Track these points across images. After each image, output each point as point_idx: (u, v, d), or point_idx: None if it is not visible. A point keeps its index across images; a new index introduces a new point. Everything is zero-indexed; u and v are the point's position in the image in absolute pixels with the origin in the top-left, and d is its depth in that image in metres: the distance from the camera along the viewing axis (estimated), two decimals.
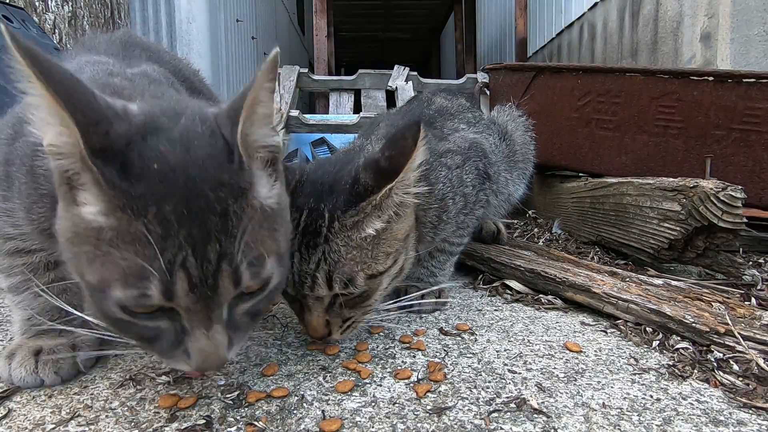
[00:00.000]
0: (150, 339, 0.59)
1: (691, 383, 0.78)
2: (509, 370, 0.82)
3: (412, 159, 0.82)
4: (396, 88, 3.68)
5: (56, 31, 2.71)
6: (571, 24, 4.23)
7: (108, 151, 0.53)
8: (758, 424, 0.67)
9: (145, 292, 0.53)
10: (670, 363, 0.85)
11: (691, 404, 0.72)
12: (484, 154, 1.22)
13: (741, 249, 1.29)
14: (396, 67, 3.87)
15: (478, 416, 0.68)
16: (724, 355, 0.85)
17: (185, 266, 0.53)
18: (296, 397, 0.73)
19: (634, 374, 0.81)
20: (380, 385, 0.77)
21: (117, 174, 0.53)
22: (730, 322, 0.90)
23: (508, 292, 1.26)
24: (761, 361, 0.80)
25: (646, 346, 0.93)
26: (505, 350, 0.91)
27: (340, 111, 3.68)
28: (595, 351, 0.90)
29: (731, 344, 0.86)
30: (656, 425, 0.66)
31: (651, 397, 0.74)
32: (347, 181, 0.86)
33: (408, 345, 0.93)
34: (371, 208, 0.84)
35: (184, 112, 0.61)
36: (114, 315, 0.56)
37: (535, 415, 0.69)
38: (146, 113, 0.59)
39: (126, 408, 0.71)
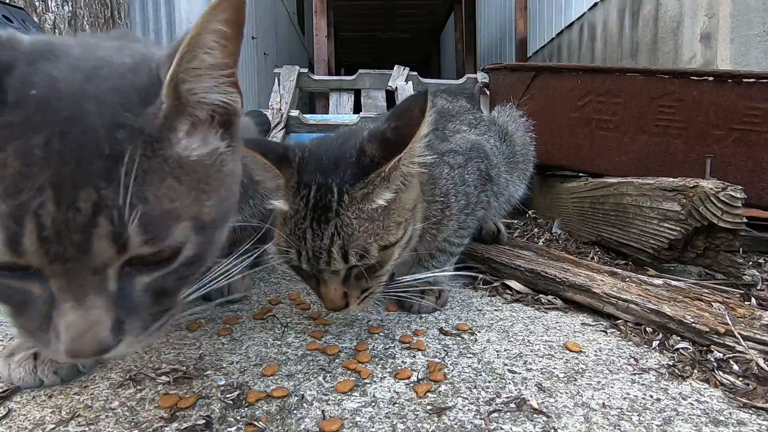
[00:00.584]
0: (17, 306, 0.49)
1: (691, 383, 0.78)
2: (509, 370, 0.82)
3: (420, 129, 0.82)
4: (396, 88, 3.68)
5: (56, 31, 2.71)
6: (571, 24, 4.23)
7: None
8: (758, 424, 0.67)
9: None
10: (670, 363, 0.85)
11: (691, 404, 0.72)
12: (485, 156, 1.23)
13: (741, 249, 1.29)
14: (396, 67, 3.87)
15: (478, 416, 0.68)
16: (724, 355, 0.85)
17: (38, 213, 0.44)
18: (296, 397, 0.73)
19: (634, 374, 0.81)
20: (380, 385, 0.77)
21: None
22: (730, 322, 0.90)
23: (508, 292, 1.26)
24: (761, 361, 0.80)
25: (646, 346, 0.93)
26: (505, 350, 0.91)
27: (340, 111, 3.68)
28: (595, 351, 0.90)
29: (731, 344, 0.86)
30: (656, 425, 0.66)
31: (651, 397, 0.74)
32: (352, 154, 0.86)
33: (408, 345, 0.93)
34: (380, 179, 0.84)
35: (110, 46, 0.54)
36: None
37: (535, 415, 0.69)
38: (42, 41, 0.52)
39: (126, 408, 0.71)
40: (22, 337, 0.52)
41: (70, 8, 2.76)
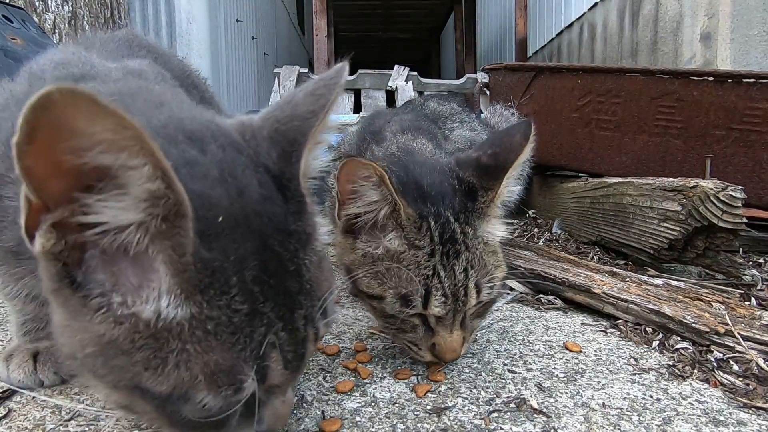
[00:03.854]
0: (221, 424, 0.48)
1: (691, 383, 0.78)
2: (509, 370, 0.82)
3: (521, 155, 0.79)
4: (396, 88, 3.68)
5: (56, 31, 2.71)
6: (571, 24, 4.23)
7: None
8: (758, 424, 0.67)
9: (240, 386, 0.43)
10: (670, 363, 0.85)
11: (691, 404, 0.72)
12: None
13: (741, 249, 1.28)
14: (396, 67, 3.87)
15: (478, 416, 0.68)
16: (724, 355, 0.85)
17: (278, 344, 0.45)
18: (296, 397, 0.73)
19: (634, 374, 0.81)
20: (380, 385, 0.77)
21: (196, 235, 0.41)
22: (730, 322, 0.90)
23: (508, 291, 1.26)
24: (761, 361, 0.80)
25: (646, 346, 0.93)
26: (505, 350, 0.91)
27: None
28: (595, 351, 0.90)
29: (731, 344, 0.86)
30: (656, 425, 0.66)
31: (651, 397, 0.74)
32: (450, 182, 0.81)
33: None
34: (489, 208, 0.80)
35: (204, 132, 0.49)
36: (188, 420, 0.45)
37: (535, 415, 0.68)
38: (162, 135, 0.46)
39: None
40: None
41: (70, 8, 2.76)
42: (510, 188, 0.82)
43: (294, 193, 0.50)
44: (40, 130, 0.32)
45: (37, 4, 2.66)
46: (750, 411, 0.70)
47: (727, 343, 0.86)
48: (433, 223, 0.76)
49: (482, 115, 1.77)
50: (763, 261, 1.44)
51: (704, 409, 0.70)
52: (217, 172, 0.45)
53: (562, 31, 4.43)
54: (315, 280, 0.50)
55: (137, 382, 0.43)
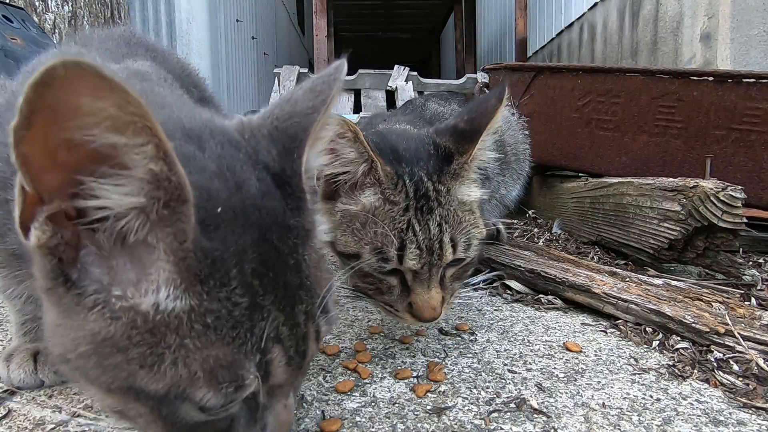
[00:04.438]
0: (222, 430, 0.47)
1: (691, 383, 0.78)
2: (509, 370, 0.82)
3: (495, 118, 0.82)
4: (396, 88, 3.68)
5: (56, 31, 2.71)
6: (571, 24, 4.23)
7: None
8: (758, 424, 0.67)
9: (241, 383, 0.42)
10: (670, 363, 0.85)
11: (691, 404, 0.72)
12: None
13: (741, 249, 1.28)
14: (396, 67, 3.87)
15: (478, 416, 0.68)
16: (724, 355, 0.85)
17: (280, 339, 0.44)
18: (296, 397, 0.73)
19: (634, 374, 0.81)
20: (380, 385, 0.77)
21: (197, 222, 0.40)
22: (730, 322, 0.90)
23: (508, 292, 1.26)
24: (761, 361, 0.80)
25: (646, 346, 0.93)
26: (505, 350, 0.91)
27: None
28: (595, 351, 0.90)
29: (731, 344, 0.86)
30: (656, 425, 0.66)
31: (651, 397, 0.74)
32: (427, 148, 0.84)
33: (408, 345, 0.93)
34: (464, 170, 0.83)
35: (202, 130, 0.49)
36: (188, 420, 0.43)
37: (535, 415, 0.68)
38: (173, 119, 0.48)
39: None
40: None
41: (70, 8, 2.77)
42: (487, 153, 0.85)
43: (294, 190, 0.49)
44: (40, 112, 0.31)
45: (37, 4, 2.66)
46: (750, 411, 0.70)
47: (727, 343, 0.86)
48: (408, 180, 0.79)
49: None
50: (763, 261, 1.44)
51: (704, 409, 0.70)
52: (215, 166, 0.45)
53: (562, 31, 4.43)
54: (315, 276, 0.49)
55: (132, 382, 0.41)
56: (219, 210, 0.42)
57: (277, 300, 0.44)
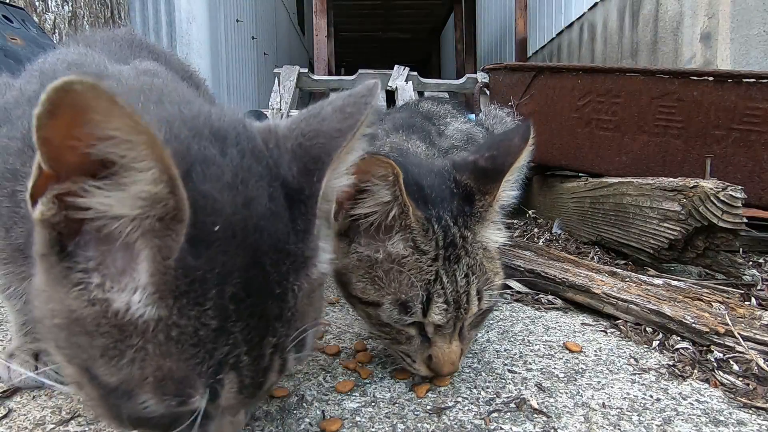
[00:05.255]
0: (168, 427, 0.47)
1: (691, 383, 0.78)
2: (509, 370, 0.82)
3: (519, 158, 0.76)
4: (396, 88, 3.68)
5: (56, 31, 2.71)
6: (571, 24, 4.23)
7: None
8: (758, 424, 0.67)
9: (186, 400, 0.42)
10: (670, 363, 0.85)
11: (691, 404, 0.72)
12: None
13: (741, 249, 1.29)
14: (396, 67, 3.87)
15: (478, 416, 0.68)
16: (724, 355, 0.85)
17: (238, 367, 0.44)
18: (296, 397, 0.73)
19: (634, 374, 0.81)
20: (380, 385, 0.77)
21: (186, 241, 0.40)
22: (730, 322, 0.90)
23: (508, 292, 1.26)
24: (761, 361, 0.80)
25: (646, 346, 0.93)
26: (505, 350, 0.91)
27: None
28: (595, 351, 0.90)
29: (731, 344, 0.86)
30: (656, 425, 0.66)
31: (651, 397, 0.74)
32: (448, 184, 0.77)
33: None
34: (488, 213, 0.76)
35: (229, 132, 0.47)
36: (133, 415, 0.44)
37: (535, 415, 0.68)
38: (178, 135, 0.44)
39: None
40: None
41: (70, 8, 2.77)
42: (508, 192, 0.79)
43: (306, 213, 0.47)
44: (62, 107, 0.33)
45: (37, 4, 2.66)
46: (750, 411, 0.70)
47: (727, 343, 0.86)
48: (436, 226, 0.72)
49: (478, 116, 1.77)
50: (763, 261, 1.44)
51: (704, 409, 0.70)
52: (230, 176, 0.44)
53: (562, 31, 4.43)
54: (299, 309, 0.47)
55: (90, 366, 0.42)
56: (216, 228, 0.41)
57: (248, 329, 0.43)
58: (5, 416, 0.69)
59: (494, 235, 0.78)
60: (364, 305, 0.75)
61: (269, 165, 0.47)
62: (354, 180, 0.63)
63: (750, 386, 0.76)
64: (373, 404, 0.72)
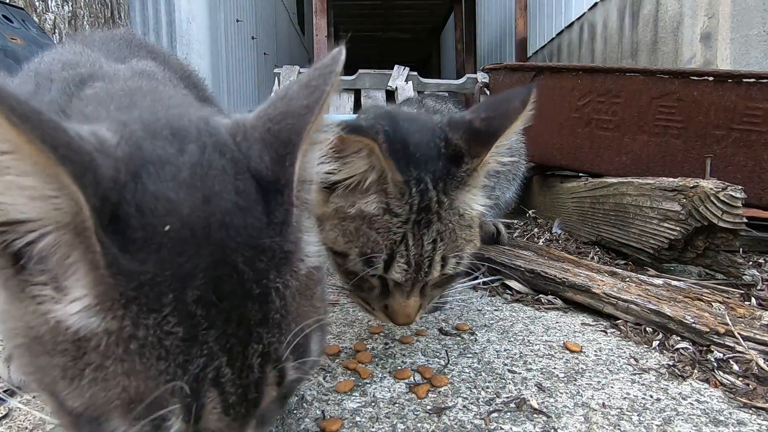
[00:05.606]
0: None
1: (691, 383, 0.78)
2: (509, 370, 0.82)
3: (516, 122, 0.74)
4: (396, 88, 3.68)
5: (56, 31, 2.71)
6: (571, 24, 4.23)
7: (109, 213, 0.37)
8: (758, 424, 0.67)
9: (160, 424, 0.37)
10: (670, 363, 0.85)
11: (691, 404, 0.72)
12: None
13: (741, 249, 1.29)
14: (396, 67, 3.87)
15: (478, 416, 0.68)
16: (724, 355, 0.85)
17: (219, 382, 0.39)
18: (296, 397, 0.73)
19: (634, 374, 0.81)
20: (380, 385, 0.77)
21: (119, 248, 0.37)
22: (730, 322, 0.90)
23: (508, 292, 1.26)
24: (761, 361, 0.80)
25: (646, 346, 0.93)
26: (505, 350, 0.91)
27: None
28: (595, 351, 0.90)
29: (731, 344, 0.86)
30: (656, 425, 0.66)
31: (651, 397, 0.74)
32: (437, 144, 0.77)
33: (408, 345, 0.93)
34: (471, 178, 0.76)
35: (190, 130, 0.45)
36: None
37: (535, 415, 0.69)
38: (130, 137, 0.42)
39: None
40: None
41: (70, 8, 2.76)
42: (499, 159, 0.78)
43: (283, 203, 0.44)
44: None
45: (37, 4, 2.65)
46: (750, 411, 0.70)
47: (727, 343, 0.86)
48: (414, 190, 0.73)
49: None
50: (763, 261, 1.44)
51: (704, 409, 0.70)
52: (187, 174, 0.41)
53: (562, 31, 4.43)
54: (290, 310, 0.42)
55: (53, 390, 0.39)
56: (167, 228, 0.38)
57: (225, 336, 0.38)
58: (5, 416, 0.69)
59: (474, 201, 0.78)
60: (334, 255, 0.79)
61: (235, 158, 0.44)
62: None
63: (750, 386, 0.76)
64: (373, 404, 0.72)
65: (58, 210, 0.35)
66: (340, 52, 0.50)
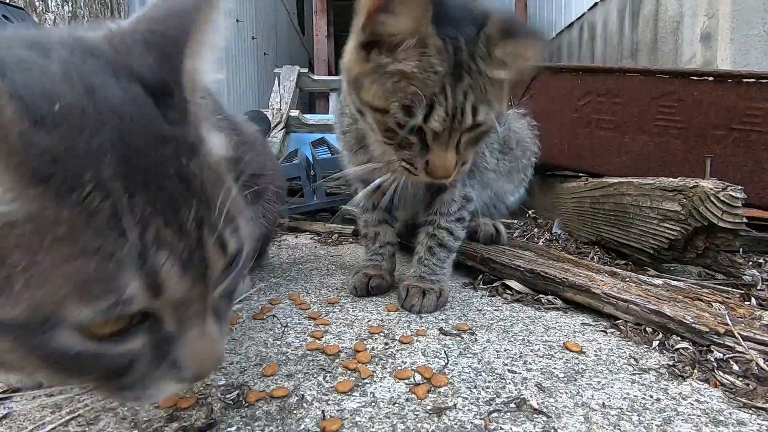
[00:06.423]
0: (121, 371, 0.41)
1: (691, 383, 0.78)
2: (509, 370, 0.82)
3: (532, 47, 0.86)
4: None
5: None
6: (571, 24, 4.23)
7: None
8: (758, 424, 0.67)
9: (123, 295, 0.36)
10: (670, 363, 0.85)
11: (691, 404, 0.72)
12: None
13: (741, 249, 1.29)
14: None
15: (478, 416, 0.68)
16: (724, 355, 0.85)
17: (164, 241, 0.38)
18: (296, 397, 0.73)
19: (634, 374, 0.81)
20: (380, 385, 0.77)
21: (24, 121, 0.35)
22: (730, 322, 0.90)
23: (508, 292, 1.26)
24: (761, 361, 0.80)
25: (646, 346, 0.93)
26: (505, 350, 0.91)
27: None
28: (595, 351, 0.90)
29: (731, 344, 0.86)
30: (656, 425, 0.66)
31: (651, 397, 0.74)
32: (475, 17, 0.87)
33: (408, 345, 0.93)
34: (498, 55, 0.86)
35: (51, 39, 0.42)
36: (66, 351, 0.37)
37: (535, 415, 0.69)
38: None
39: (126, 408, 0.71)
40: (115, 397, 0.45)
41: (70, 8, 2.77)
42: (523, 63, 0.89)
43: (176, 103, 0.42)
44: None
45: (37, 4, 2.66)
46: (750, 411, 0.70)
47: (727, 343, 0.86)
48: (450, 49, 0.83)
49: None
50: (763, 261, 1.44)
51: (704, 409, 0.70)
52: (58, 71, 0.39)
53: (562, 31, 4.43)
54: (209, 187, 0.42)
55: None
56: (57, 107, 0.36)
57: (152, 201, 0.38)
58: (5, 416, 0.69)
59: (498, 73, 0.88)
60: (374, 111, 0.88)
61: (113, 61, 0.42)
62: None
63: (750, 386, 0.76)
64: (373, 404, 0.72)
65: None
66: None
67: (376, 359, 0.87)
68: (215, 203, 0.42)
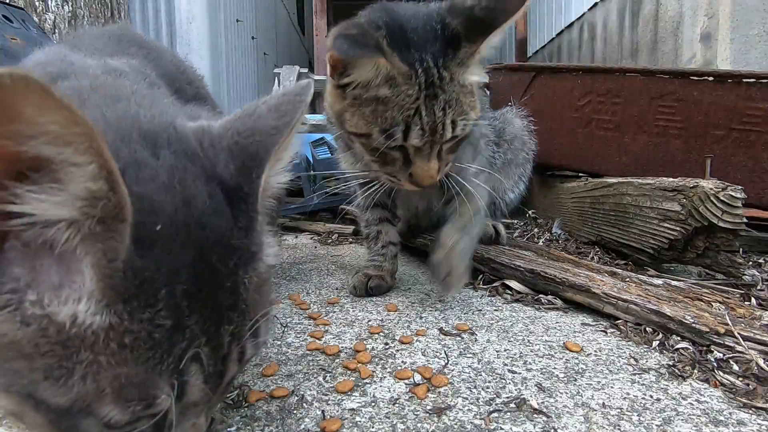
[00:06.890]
0: None
1: (691, 383, 0.78)
2: (509, 370, 0.82)
3: (517, 13, 0.88)
4: None
5: (56, 31, 2.71)
6: (571, 24, 4.23)
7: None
8: (758, 424, 0.67)
9: (152, 402, 0.40)
10: (670, 363, 0.85)
11: (691, 404, 0.72)
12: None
13: (741, 249, 1.28)
14: None
15: (478, 416, 0.68)
16: (724, 355, 0.85)
17: (200, 359, 0.43)
18: (296, 397, 0.73)
19: (634, 374, 0.81)
20: (380, 385, 0.77)
21: (131, 242, 0.39)
22: (730, 322, 0.90)
23: (508, 292, 1.26)
24: (761, 361, 0.80)
25: (646, 346, 0.93)
26: (505, 350, 0.91)
27: None
28: (595, 351, 0.90)
29: (731, 344, 0.86)
30: (656, 425, 0.66)
31: (651, 397, 0.74)
32: (435, 26, 0.90)
33: (408, 345, 0.93)
34: (468, 58, 0.90)
35: (160, 134, 0.47)
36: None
37: (535, 415, 0.69)
38: (116, 129, 0.44)
39: None
40: None
41: (70, 8, 2.77)
42: (493, 48, 0.94)
43: (247, 209, 0.48)
44: None
45: (37, 4, 2.65)
46: (750, 411, 0.70)
47: (727, 343, 0.86)
48: (419, 70, 0.87)
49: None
50: (763, 261, 1.44)
51: (704, 409, 0.70)
52: (165, 177, 0.43)
53: (562, 31, 4.43)
54: (252, 300, 0.48)
55: (32, 391, 0.39)
56: (159, 228, 0.40)
57: (203, 320, 0.42)
58: (5, 416, 0.69)
59: (473, 75, 0.94)
60: (358, 137, 0.95)
61: (204, 165, 0.47)
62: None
63: (750, 386, 0.76)
64: (373, 404, 0.72)
65: (100, 203, 0.36)
66: (310, 85, 0.55)
67: (376, 359, 0.87)
68: (252, 316, 0.48)
